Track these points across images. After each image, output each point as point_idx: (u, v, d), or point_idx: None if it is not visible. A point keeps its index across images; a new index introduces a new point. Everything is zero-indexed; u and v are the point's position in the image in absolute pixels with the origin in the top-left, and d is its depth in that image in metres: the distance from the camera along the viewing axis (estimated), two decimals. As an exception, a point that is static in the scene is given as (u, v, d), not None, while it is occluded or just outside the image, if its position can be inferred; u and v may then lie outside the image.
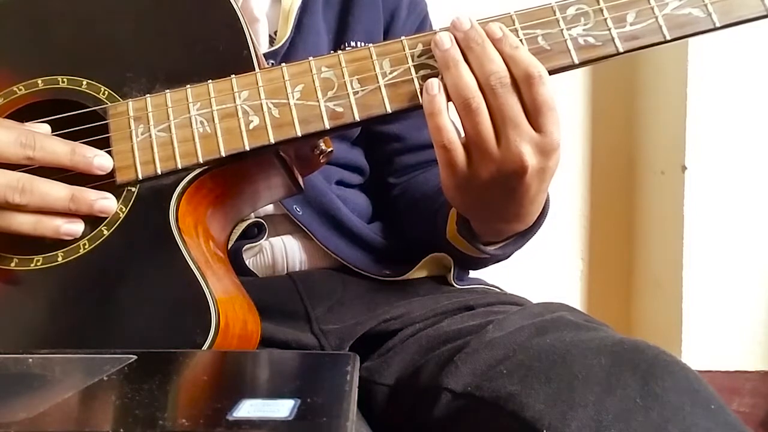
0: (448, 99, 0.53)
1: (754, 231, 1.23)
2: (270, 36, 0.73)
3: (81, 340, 0.51)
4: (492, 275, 0.79)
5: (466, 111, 0.53)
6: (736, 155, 1.22)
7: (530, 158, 0.53)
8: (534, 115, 0.52)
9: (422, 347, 0.61)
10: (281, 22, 0.72)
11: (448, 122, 0.53)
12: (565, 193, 1.39)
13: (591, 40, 0.54)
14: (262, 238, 0.71)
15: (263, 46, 0.72)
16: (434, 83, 0.53)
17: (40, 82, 0.57)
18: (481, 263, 0.74)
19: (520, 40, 0.54)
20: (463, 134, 0.54)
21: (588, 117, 1.39)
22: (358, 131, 0.79)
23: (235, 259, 0.69)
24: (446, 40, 0.53)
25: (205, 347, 0.48)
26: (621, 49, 0.54)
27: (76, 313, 0.52)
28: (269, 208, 0.72)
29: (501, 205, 0.58)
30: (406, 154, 0.80)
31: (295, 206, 0.71)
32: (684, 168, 1.23)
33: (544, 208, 0.62)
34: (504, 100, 0.52)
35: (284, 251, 0.73)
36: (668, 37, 0.53)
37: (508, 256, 0.72)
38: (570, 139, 1.37)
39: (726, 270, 1.23)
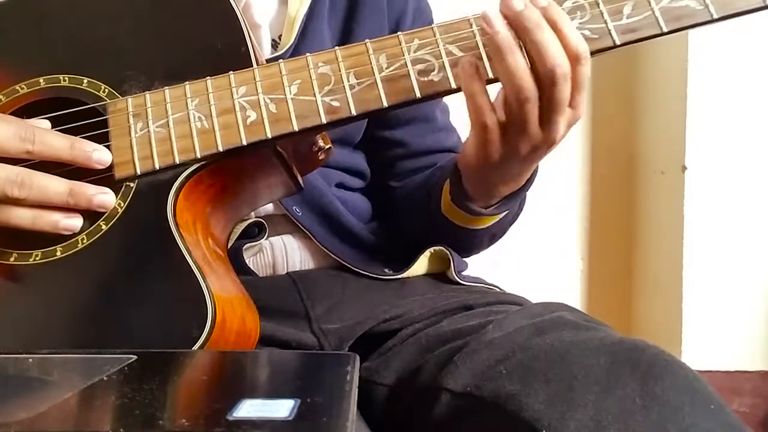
0: (488, 81, 0.53)
1: (754, 231, 1.23)
2: (273, 41, 0.73)
3: (79, 334, 0.51)
4: (492, 275, 0.79)
5: (518, 101, 0.52)
6: (736, 155, 1.22)
7: (562, 132, 0.54)
8: (573, 93, 0.53)
9: (422, 347, 0.61)
10: (286, 28, 0.72)
11: (489, 103, 0.53)
12: (565, 193, 1.39)
13: (587, 33, 0.54)
14: (262, 237, 0.72)
15: (266, 52, 0.72)
16: (472, 65, 0.52)
17: (41, 80, 0.57)
18: (476, 240, 0.74)
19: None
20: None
21: (588, 117, 1.39)
22: (360, 136, 0.79)
23: (235, 259, 0.69)
24: (497, 22, 0.51)
25: (201, 341, 0.48)
26: (618, 42, 0.53)
27: (74, 306, 0.52)
28: (269, 208, 0.72)
29: (514, 171, 0.60)
30: (408, 159, 0.81)
31: (294, 207, 0.71)
32: (684, 168, 1.23)
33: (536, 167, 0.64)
34: (561, 90, 0.52)
35: (284, 251, 0.73)
36: (665, 30, 0.53)
37: (501, 234, 0.73)
38: (570, 139, 1.37)
39: (726, 270, 1.23)
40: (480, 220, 0.68)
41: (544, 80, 0.51)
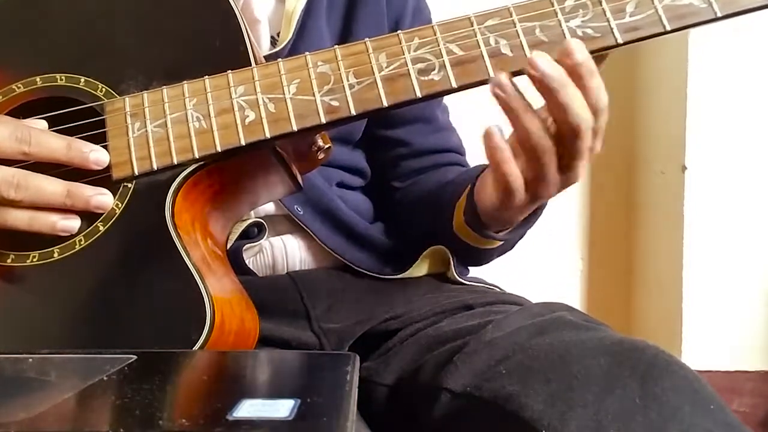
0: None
1: (754, 231, 1.23)
2: (272, 37, 0.73)
3: (76, 336, 0.51)
4: (492, 275, 0.79)
5: (536, 160, 0.52)
6: (736, 155, 1.22)
7: (582, 173, 0.54)
8: (595, 140, 0.53)
9: (422, 347, 0.61)
10: (284, 24, 0.72)
11: (515, 169, 0.53)
12: (565, 193, 1.39)
13: (589, 31, 0.53)
14: (262, 238, 0.71)
15: (264, 48, 0.72)
16: (495, 134, 0.52)
17: (38, 80, 0.57)
18: (485, 256, 0.74)
19: (517, 32, 0.53)
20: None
21: (588, 117, 1.39)
22: (359, 134, 0.79)
23: (234, 259, 0.69)
24: (510, 88, 0.50)
25: (199, 343, 0.47)
26: (620, 41, 0.53)
27: (72, 308, 0.52)
28: (269, 208, 0.72)
29: (535, 208, 0.60)
30: (411, 158, 0.81)
31: (296, 206, 0.71)
32: (684, 168, 1.22)
33: None
34: (585, 141, 0.51)
35: (284, 251, 0.73)
36: (668, 28, 0.52)
37: (510, 249, 0.72)
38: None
39: (726, 270, 1.23)
40: (493, 242, 0.68)
41: (567, 135, 0.51)
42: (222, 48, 0.56)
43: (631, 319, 1.42)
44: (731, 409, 0.47)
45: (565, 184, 0.55)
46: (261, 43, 0.71)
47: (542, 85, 0.50)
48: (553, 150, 0.52)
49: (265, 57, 0.62)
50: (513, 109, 0.51)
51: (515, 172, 0.53)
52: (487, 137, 0.52)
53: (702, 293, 1.23)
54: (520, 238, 0.72)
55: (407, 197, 0.80)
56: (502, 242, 0.68)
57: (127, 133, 0.55)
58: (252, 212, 0.71)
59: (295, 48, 0.71)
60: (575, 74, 0.50)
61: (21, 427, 0.31)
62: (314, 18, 0.73)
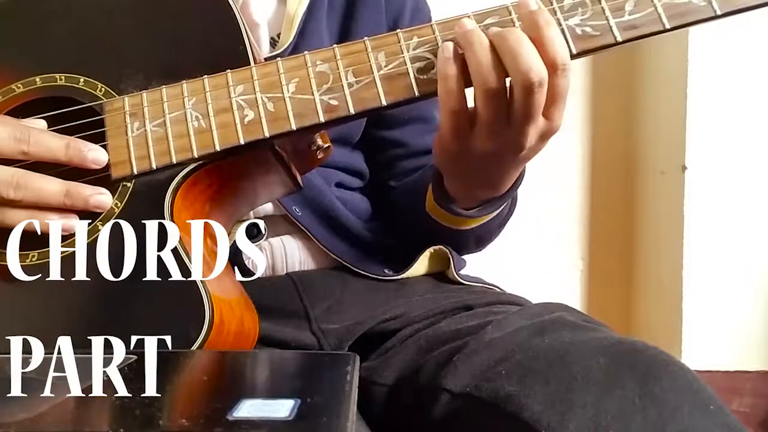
0: (464, 72, 0.52)
1: (754, 231, 1.23)
2: (272, 39, 0.73)
3: (76, 335, 0.51)
4: (492, 275, 0.79)
5: (487, 98, 0.52)
6: (736, 155, 1.22)
7: (532, 141, 0.54)
8: (548, 104, 0.52)
9: (421, 347, 0.61)
10: (285, 27, 0.72)
11: (459, 88, 0.52)
12: (565, 193, 1.39)
13: (588, 30, 0.53)
14: (262, 238, 0.71)
15: (264, 51, 0.72)
16: (449, 48, 0.52)
17: (38, 80, 0.57)
18: (461, 239, 0.74)
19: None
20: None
21: (588, 117, 1.39)
22: (359, 135, 0.79)
23: (233, 259, 0.69)
24: (469, 23, 0.52)
25: (198, 342, 0.47)
26: (619, 39, 0.53)
27: (71, 307, 0.52)
28: (269, 209, 0.72)
29: (488, 174, 0.60)
30: (407, 159, 0.81)
31: (294, 207, 0.71)
32: (684, 168, 1.23)
33: (519, 176, 0.64)
34: (535, 98, 0.51)
35: (283, 251, 0.73)
36: (668, 26, 0.52)
37: (488, 237, 0.73)
38: (570, 140, 1.38)
39: (726, 270, 1.23)
40: (463, 221, 0.68)
41: (517, 86, 0.51)
42: (221, 47, 0.56)
43: (630, 319, 1.42)
44: (731, 409, 0.47)
45: (513, 146, 0.54)
46: (260, 46, 0.72)
47: (491, 37, 0.51)
48: (504, 92, 0.51)
49: (265, 59, 0.62)
50: (470, 41, 0.51)
51: (459, 87, 0.52)
52: (442, 51, 0.52)
53: (702, 293, 1.23)
54: (498, 227, 0.73)
55: (398, 196, 0.80)
56: (474, 225, 0.68)
57: (126, 132, 0.55)
58: (251, 212, 0.71)
59: (296, 50, 0.71)
60: (532, 20, 0.51)
61: (21, 427, 0.31)
62: (315, 20, 0.74)
